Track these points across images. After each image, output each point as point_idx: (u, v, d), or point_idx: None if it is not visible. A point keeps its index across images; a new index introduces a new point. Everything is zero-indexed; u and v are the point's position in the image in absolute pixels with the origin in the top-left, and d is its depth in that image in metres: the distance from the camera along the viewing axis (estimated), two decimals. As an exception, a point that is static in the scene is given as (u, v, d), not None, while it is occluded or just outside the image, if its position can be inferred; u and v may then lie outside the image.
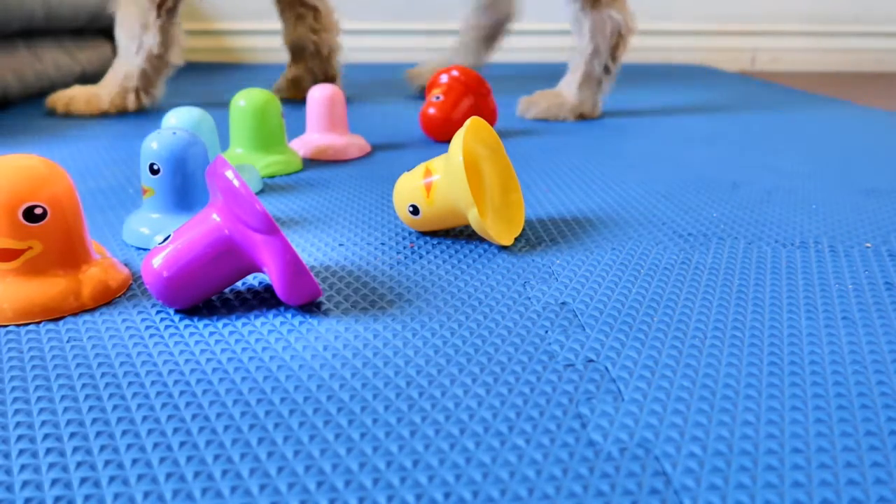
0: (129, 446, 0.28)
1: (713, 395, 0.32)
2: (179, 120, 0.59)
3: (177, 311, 0.40)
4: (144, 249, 0.50)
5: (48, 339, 0.37)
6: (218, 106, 1.09)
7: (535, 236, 0.53)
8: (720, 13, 1.96)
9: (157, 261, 0.39)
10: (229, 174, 0.37)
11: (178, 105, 1.01)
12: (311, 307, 0.41)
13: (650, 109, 1.15)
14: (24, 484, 0.26)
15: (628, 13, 1.00)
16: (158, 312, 0.40)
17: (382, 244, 0.52)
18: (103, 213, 0.58)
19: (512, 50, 1.94)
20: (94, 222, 0.55)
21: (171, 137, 0.48)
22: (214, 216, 0.39)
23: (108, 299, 0.41)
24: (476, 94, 0.87)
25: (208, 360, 0.35)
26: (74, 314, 0.40)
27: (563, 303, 0.42)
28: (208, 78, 1.16)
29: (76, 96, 1.01)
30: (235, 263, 0.39)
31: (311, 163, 0.76)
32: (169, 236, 0.40)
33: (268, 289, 0.43)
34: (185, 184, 0.49)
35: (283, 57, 1.89)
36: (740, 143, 0.88)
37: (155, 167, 0.48)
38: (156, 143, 0.48)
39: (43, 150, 0.80)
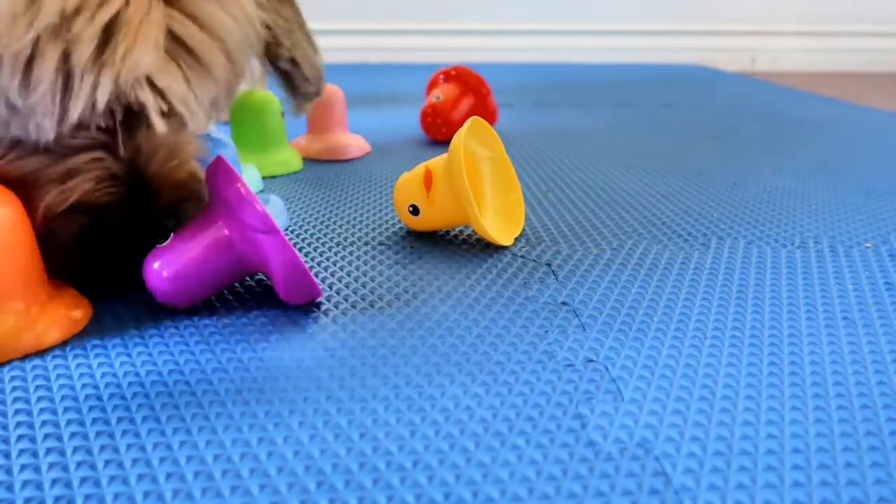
0: (129, 446, 0.28)
1: (713, 395, 0.32)
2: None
3: (177, 312, 0.40)
4: None
5: (48, 339, 0.37)
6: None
7: (535, 236, 0.53)
8: (720, 13, 1.96)
9: (157, 262, 0.39)
10: (229, 175, 0.37)
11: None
12: (310, 307, 0.41)
13: (650, 109, 1.15)
14: (25, 484, 0.26)
15: None
16: (158, 312, 0.40)
17: (382, 244, 0.52)
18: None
19: (509, 50, 1.94)
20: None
21: (207, 140, 0.48)
22: (214, 217, 0.39)
23: (72, 332, 0.37)
24: (476, 94, 0.87)
25: (208, 359, 0.35)
26: (32, 352, 0.36)
27: (563, 303, 0.42)
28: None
29: None
30: (236, 264, 0.39)
31: (311, 163, 0.76)
32: (169, 237, 0.39)
33: (267, 288, 0.43)
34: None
35: (284, 57, 1.89)
36: (740, 143, 0.88)
37: None
38: None
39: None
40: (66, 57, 0.29)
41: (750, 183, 0.69)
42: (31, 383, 0.33)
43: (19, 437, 0.29)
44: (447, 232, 0.54)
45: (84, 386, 0.33)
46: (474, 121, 0.51)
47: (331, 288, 0.44)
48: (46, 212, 0.36)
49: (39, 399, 0.32)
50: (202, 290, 0.39)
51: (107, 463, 0.27)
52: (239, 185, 0.37)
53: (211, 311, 0.40)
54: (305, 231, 0.54)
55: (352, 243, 0.52)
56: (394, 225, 0.56)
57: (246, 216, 0.37)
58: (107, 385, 0.33)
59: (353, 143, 0.79)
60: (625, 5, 1.94)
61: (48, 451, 0.28)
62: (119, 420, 0.30)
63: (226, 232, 0.38)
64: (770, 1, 1.96)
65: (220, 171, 0.38)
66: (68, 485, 0.26)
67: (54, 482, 0.26)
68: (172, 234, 0.39)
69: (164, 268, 0.38)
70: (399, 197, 0.52)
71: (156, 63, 0.31)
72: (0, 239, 0.35)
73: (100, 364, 0.35)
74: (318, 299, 0.42)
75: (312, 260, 0.49)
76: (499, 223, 0.53)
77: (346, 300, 0.42)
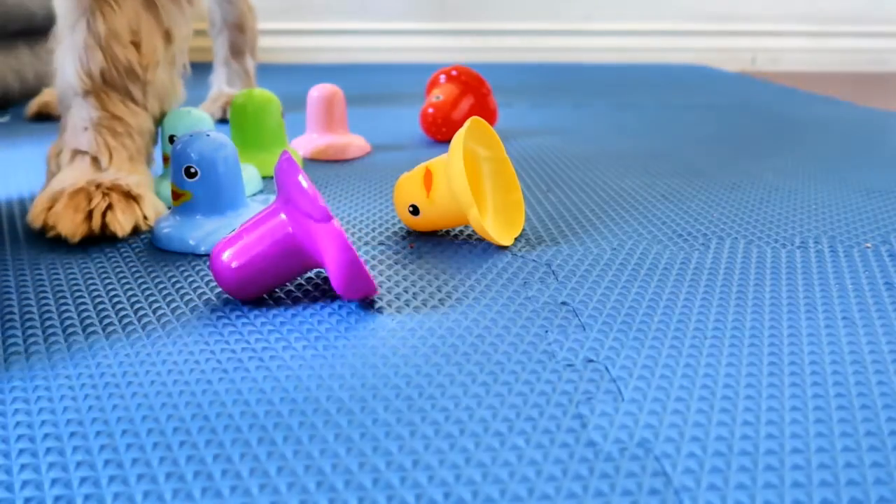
0: (128, 446, 0.28)
1: (713, 395, 0.32)
2: (179, 121, 0.59)
3: (175, 312, 0.40)
4: (179, 254, 0.50)
5: (47, 339, 0.37)
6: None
7: (535, 236, 0.53)
8: (720, 13, 1.96)
9: (222, 252, 0.40)
10: (289, 167, 0.38)
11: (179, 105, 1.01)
12: (308, 307, 0.41)
13: (650, 109, 1.15)
14: (24, 484, 0.26)
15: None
16: (158, 313, 0.40)
17: (382, 244, 0.52)
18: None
19: (507, 50, 1.94)
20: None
21: (206, 140, 0.48)
22: (276, 209, 0.40)
23: None
24: (476, 94, 0.87)
25: (207, 359, 0.35)
26: None
27: (563, 302, 0.42)
28: (208, 78, 1.17)
29: None
30: (295, 256, 0.40)
31: (311, 163, 0.76)
32: (234, 230, 0.41)
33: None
34: (219, 186, 0.49)
35: (285, 57, 1.90)
36: (740, 143, 0.88)
37: (192, 170, 0.48)
38: (191, 146, 0.48)
39: (43, 150, 0.80)
40: None
41: (750, 183, 0.69)
42: (31, 383, 0.33)
43: (19, 437, 0.29)
44: (447, 232, 0.54)
45: (83, 386, 0.33)
46: (474, 121, 0.51)
47: (330, 287, 0.44)
48: None
49: (38, 399, 0.32)
50: (266, 283, 0.41)
51: (106, 463, 0.27)
52: (298, 175, 0.38)
53: (211, 310, 0.40)
54: (305, 231, 0.54)
55: (352, 243, 0.52)
56: (394, 225, 0.56)
57: (301, 204, 0.38)
58: (106, 385, 0.33)
59: (353, 143, 0.79)
60: (625, 5, 1.94)
61: (48, 450, 0.28)
62: (118, 420, 0.30)
63: (285, 223, 0.39)
64: (770, 1, 1.96)
65: (283, 164, 0.39)
66: (68, 485, 0.26)
67: (54, 482, 0.26)
68: (238, 228, 0.41)
69: (228, 258, 0.40)
70: (399, 197, 0.52)
71: None
72: None
73: (98, 365, 0.35)
74: (366, 297, 0.42)
75: (312, 260, 0.49)
76: (499, 223, 0.53)
77: (345, 300, 0.42)
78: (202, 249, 0.49)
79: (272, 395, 0.32)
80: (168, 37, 0.57)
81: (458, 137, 0.48)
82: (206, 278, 0.45)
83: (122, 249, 0.50)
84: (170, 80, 0.58)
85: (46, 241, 0.51)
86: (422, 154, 0.81)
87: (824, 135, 0.95)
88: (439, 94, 0.86)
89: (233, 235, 0.41)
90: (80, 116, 0.55)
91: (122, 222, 0.51)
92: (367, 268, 0.44)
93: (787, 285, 0.45)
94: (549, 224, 0.56)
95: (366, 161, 0.77)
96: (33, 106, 1.00)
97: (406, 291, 0.43)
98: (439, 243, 0.52)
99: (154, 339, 0.37)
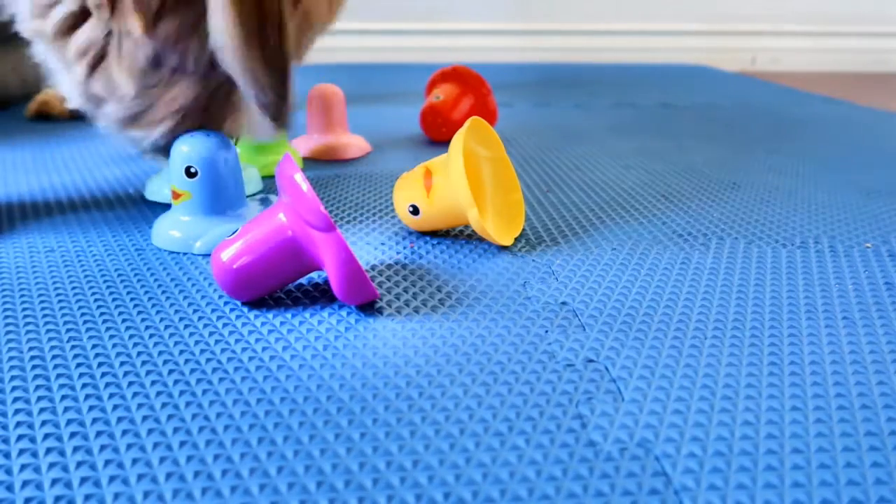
0: (129, 446, 0.28)
1: (713, 395, 0.32)
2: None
3: (164, 310, 0.40)
4: (177, 254, 0.50)
5: (48, 339, 0.37)
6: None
7: (535, 236, 0.53)
8: (720, 13, 1.96)
9: (222, 253, 0.40)
10: (297, 176, 0.38)
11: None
12: (308, 307, 0.41)
13: (650, 109, 1.15)
14: (24, 484, 0.26)
15: None
16: (158, 312, 0.40)
17: (382, 244, 0.52)
18: (104, 213, 0.58)
19: (504, 50, 1.94)
20: (96, 221, 0.55)
21: (206, 140, 0.48)
22: (277, 212, 0.40)
23: None
24: (476, 94, 0.87)
25: (208, 359, 0.35)
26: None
27: (563, 303, 0.42)
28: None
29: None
30: (296, 259, 0.40)
31: (311, 163, 0.76)
32: (237, 230, 0.41)
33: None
34: (219, 186, 0.49)
35: (284, 57, 1.89)
36: (740, 143, 0.88)
37: (192, 170, 0.48)
38: (191, 146, 0.48)
39: (43, 150, 0.80)
40: None
41: (750, 183, 0.69)
42: (31, 383, 0.33)
43: (19, 437, 0.29)
44: (447, 232, 0.54)
45: (84, 386, 0.33)
46: (474, 121, 0.51)
47: (330, 289, 0.44)
48: None
49: (39, 399, 0.32)
50: (263, 283, 0.41)
51: (107, 463, 0.27)
52: (299, 181, 0.38)
53: (212, 310, 0.40)
54: (305, 231, 0.54)
55: (352, 243, 0.52)
56: (394, 225, 0.56)
57: (304, 213, 0.38)
58: (106, 385, 0.33)
59: (353, 143, 0.79)
60: (625, 5, 1.94)
61: (48, 450, 0.28)
62: (119, 420, 0.30)
63: (286, 227, 0.39)
64: (770, 1, 1.96)
65: (284, 168, 0.39)
66: (68, 485, 0.26)
67: (54, 482, 0.26)
68: (240, 228, 0.41)
69: (229, 259, 0.40)
70: (399, 197, 0.52)
71: None
72: None
73: (100, 364, 0.35)
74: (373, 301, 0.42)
75: (312, 260, 0.49)
76: (499, 223, 0.53)
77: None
78: (202, 250, 0.49)
79: (272, 395, 0.32)
80: None
81: (458, 137, 0.48)
82: (207, 278, 0.45)
83: (123, 249, 0.50)
84: None
85: (47, 242, 0.51)
86: (422, 154, 0.81)
87: (824, 135, 0.95)
88: (439, 94, 0.86)
89: (233, 236, 0.41)
90: None
91: None
92: (367, 271, 0.44)
93: (788, 285, 0.45)
94: (549, 224, 0.56)
95: (366, 161, 0.77)
96: (33, 105, 1.00)
97: (406, 292, 0.43)
98: (439, 243, 0.52)
99: (154, 340, 0.37)
